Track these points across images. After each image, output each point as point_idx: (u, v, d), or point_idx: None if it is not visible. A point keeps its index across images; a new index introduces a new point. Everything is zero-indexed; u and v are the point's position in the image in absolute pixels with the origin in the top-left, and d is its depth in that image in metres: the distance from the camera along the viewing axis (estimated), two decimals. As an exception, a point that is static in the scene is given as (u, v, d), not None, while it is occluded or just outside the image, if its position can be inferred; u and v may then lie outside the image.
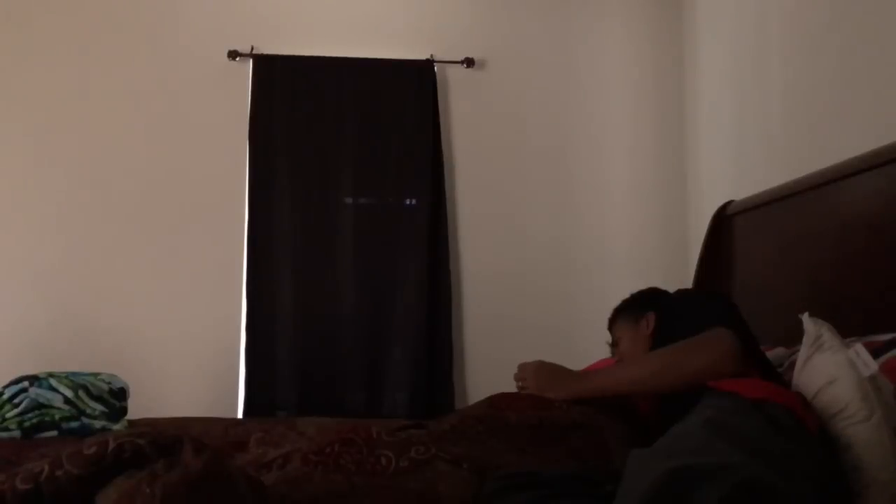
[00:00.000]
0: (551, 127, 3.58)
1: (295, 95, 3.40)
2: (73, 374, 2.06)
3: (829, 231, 2.15)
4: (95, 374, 2.12)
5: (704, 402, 1.33)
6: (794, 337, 1.60)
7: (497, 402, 1.49)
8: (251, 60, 3.41)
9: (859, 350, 1.38)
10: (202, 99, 3.43)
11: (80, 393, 1.99)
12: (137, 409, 2.31)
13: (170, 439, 0.93)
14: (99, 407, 2.01)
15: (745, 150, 2.95)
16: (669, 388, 1.50)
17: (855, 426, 1.29)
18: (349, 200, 3.41)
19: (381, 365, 3.33)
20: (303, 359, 3.28)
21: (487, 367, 3.27)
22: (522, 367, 1.70)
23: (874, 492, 1.25)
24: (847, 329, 1.61)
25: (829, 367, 1.39)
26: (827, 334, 1.46)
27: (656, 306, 1.81)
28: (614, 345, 1.90)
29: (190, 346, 3.31)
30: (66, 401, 1.95)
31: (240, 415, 3.22)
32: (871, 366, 1.35)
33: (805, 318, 1.51)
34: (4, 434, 1.86)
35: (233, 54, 3.41)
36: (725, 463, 0.99)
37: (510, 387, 1.72)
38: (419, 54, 3.48)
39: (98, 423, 1.96)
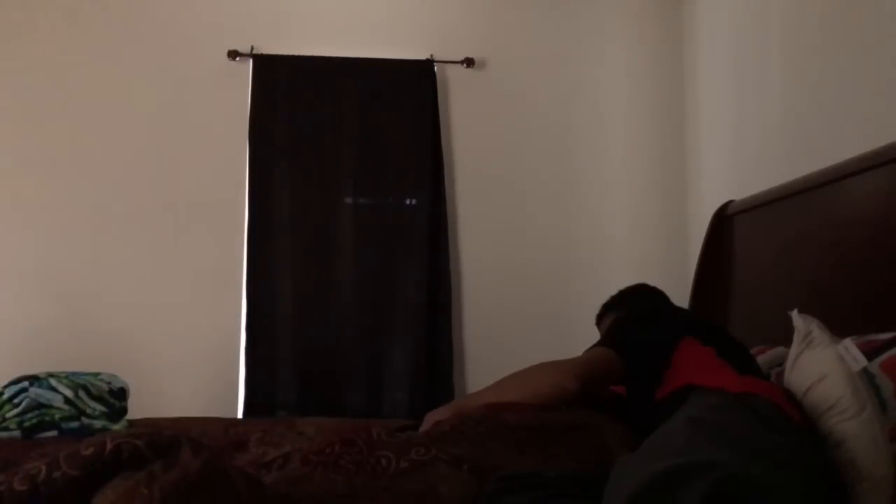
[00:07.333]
0: (551, 127, 3.58)
1: (295, 95, 3.40)
2: (73, 374, 2.06)
3: (829, 231, 2.14)
4: (95, 374, 2.12)
5: (690, 400, 1.33)
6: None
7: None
8: (251, 60, 3.41)
9: (848, 345, 1.38)
10: (202, 99, 3.43)
11: (80, 393, 1.99)
12: (137, 409, 2.32)
13: (167, 440, 0.93)
14: (99, 407, 2.01)
15: (745, 150, 2.95)
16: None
17: (847, 422, 1.29)
18: (349, 200, 3.41)
19: (381, 365, 3.33)
20: (303, 359, 3.28)
21: (487, 367, 3.25)
22: None
23: (868, 487, 1.24)
24: (847, 328, 1.61)
25: (818, 364, 1.38)
26: (816, 331, 1.45)
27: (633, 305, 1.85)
28: None
29: (190, 346, 3.31)
30: (66, 401, 1.95)
31: (240, 415, 3.22)
32: (860, 360, 1.34)
33: (794, 314, 1.51)
34: (4, 434, 1.87)
35: (233, 54, 3.41)
36: (709, 460, 0.99)
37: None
38: (419, 54, 3.48)
39: (98, 423, 1.96)
